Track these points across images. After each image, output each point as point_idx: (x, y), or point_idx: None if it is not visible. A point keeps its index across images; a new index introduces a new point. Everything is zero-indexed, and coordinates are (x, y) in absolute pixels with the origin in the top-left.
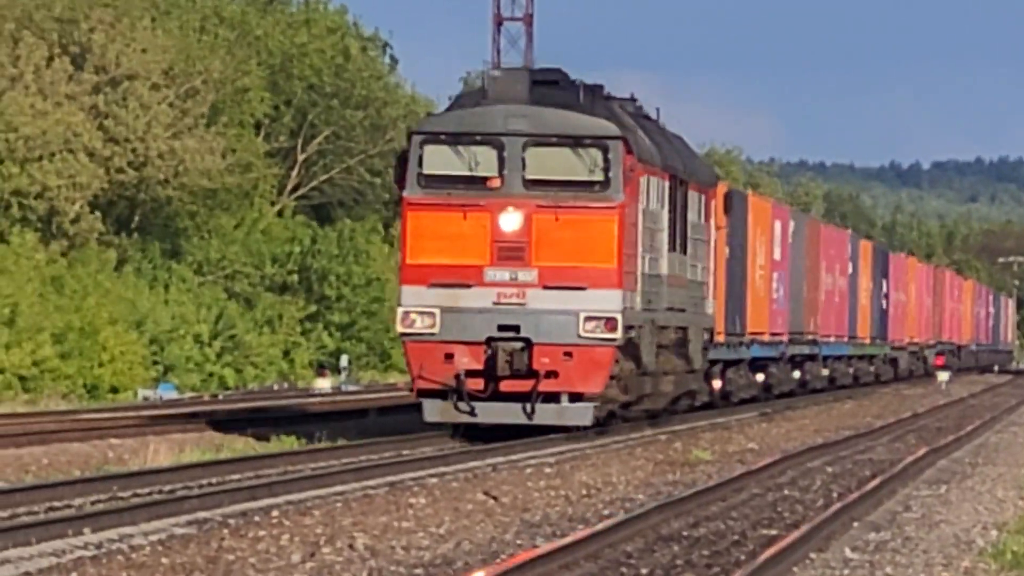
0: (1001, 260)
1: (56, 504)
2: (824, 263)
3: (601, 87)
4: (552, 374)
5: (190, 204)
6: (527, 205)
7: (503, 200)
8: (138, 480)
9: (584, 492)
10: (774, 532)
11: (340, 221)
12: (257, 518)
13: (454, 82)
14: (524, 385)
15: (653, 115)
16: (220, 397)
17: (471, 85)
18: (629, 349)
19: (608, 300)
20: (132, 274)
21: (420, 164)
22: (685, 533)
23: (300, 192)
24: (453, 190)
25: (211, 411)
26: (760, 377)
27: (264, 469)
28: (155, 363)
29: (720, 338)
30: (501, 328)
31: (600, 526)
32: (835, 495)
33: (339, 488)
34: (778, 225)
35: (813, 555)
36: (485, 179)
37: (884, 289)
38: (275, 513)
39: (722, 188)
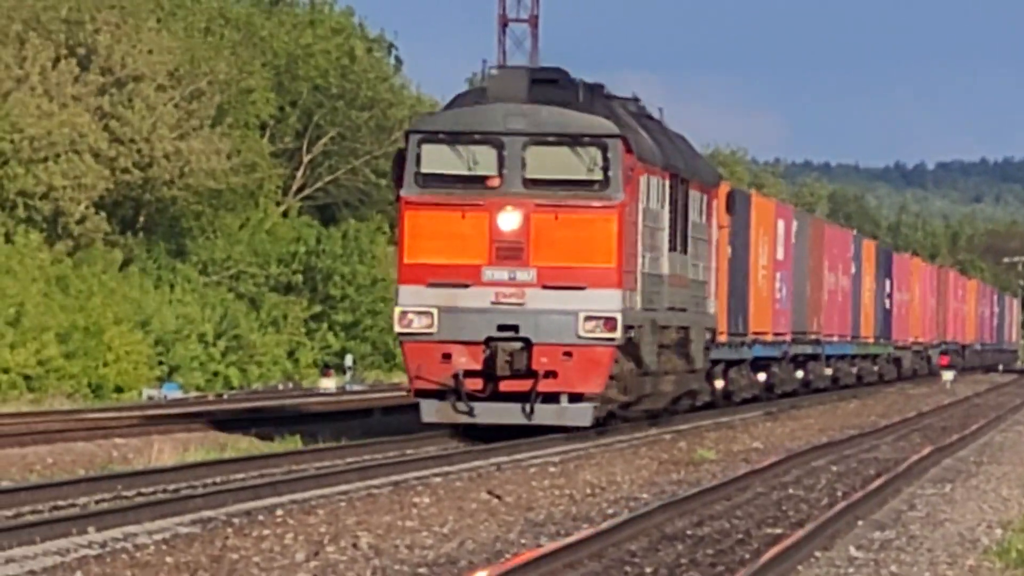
0: (1006, 260)
1: (60, 503)
2: (827, 263)
3: (601, 86)
4: (551, 374)
5: (195, 204)
6: (526, 204)
7: (502, 199)
8: (142, 479)
9: (588, 491)
10: (779, 531)
11: (345, 221)
12: (261, 517)
13: (459, 83)
14: (523, 385)
15: (655, 114)
16: (225, 397)
17: (476, 86)
18: (629, 349)
19: (608, 300)
20: (137, 274)
21: (418, 163)
22: (689, 532)
23: (305, 193)
24: (451, 189)
25: (215, 411)
26: (763, 377)
27: (268, 468)
28: (160, 363)
29: (722, 338)
30: (500, 328)
31: (604, 525)
32: (840, 494)
33: (343, 487)
34: (781, 225)
35: (818, 554)
36: (484, 178)
37: (888, 289)
38: (279, 512)
39: (724, 188)
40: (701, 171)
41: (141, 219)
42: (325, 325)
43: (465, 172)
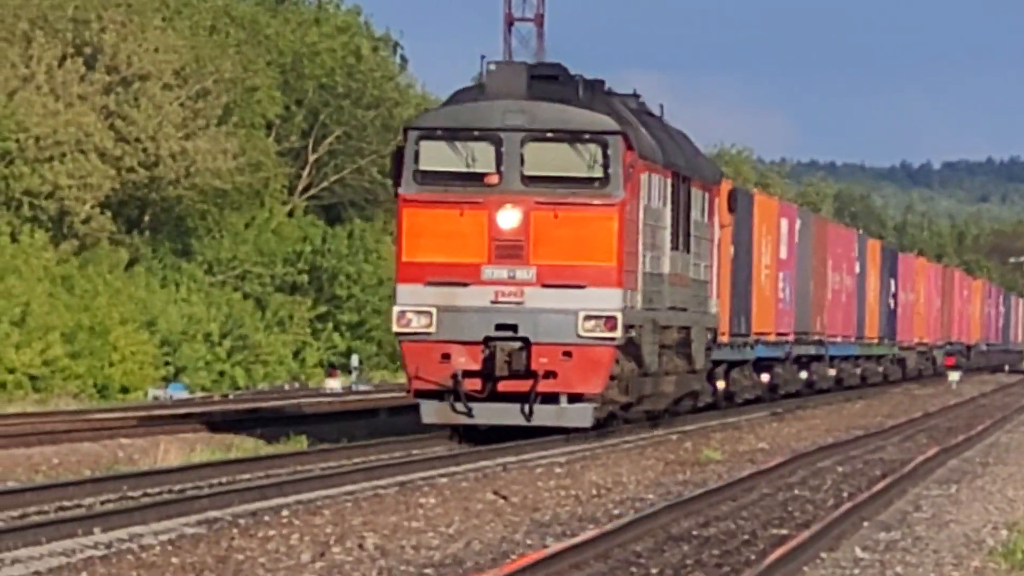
0: (1012, 260)
1: (66, 504)
2: (831, 262)
3: (602, 82)
4: (551, 374)
5: (201, 204)
6: (525, 202)
7: (501, 197)
8: (148, 480)
9: (594, 492)
10: (784, 531)
11: (350, 221)
12: (267, 518)
13: (465, 82)
14: (522, 385)
15: (656, 111)
16: (230, 397)
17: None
18: (630, 349)
19: (608, 299)
20: (143, 274)
21: (416, 160)
22: (695, 533)
23: (311, 192)
24: (450, 187)
25: (221, 411)
26: (765, 378)
27: (274, 469)
28: (167, 363)
29: (724, 338)
30: (499, 327)
31: (610, 526)
32: (846, 495)
33: (349, 488)
34: (784, 224)
35: (823, 554)
36: (482, 175)
37: (892, 289)
38: (285, 513)
39: (726, 186)
40: (702, 168)
41: (147, 218)
42: (331, 325)
43: (464, 169)
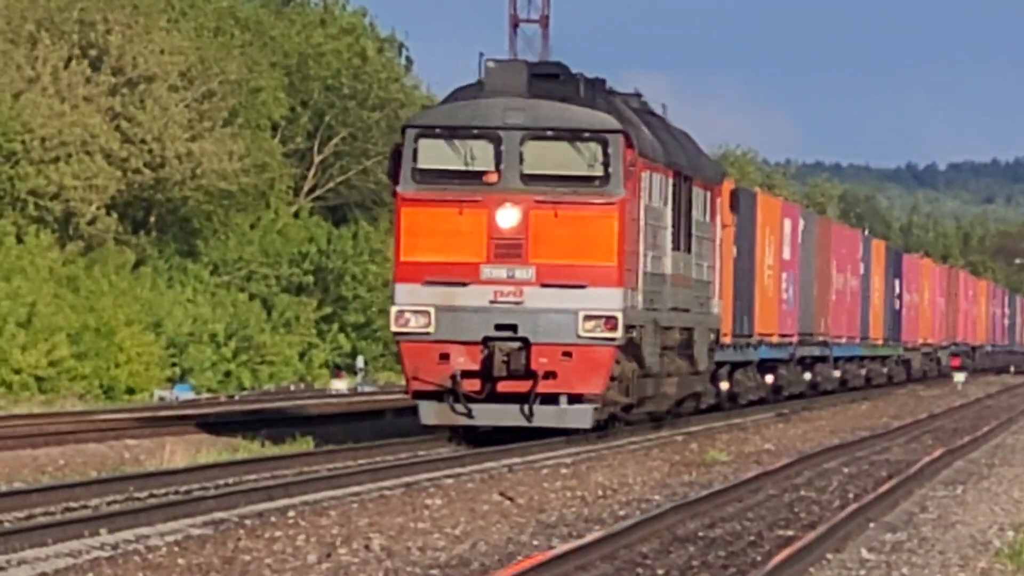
0: (1018, 261)
1: (72, 505)
2: (835, 263)
3: (603, 80)
4: (551, 375)
5: (206, 205)
6: (525, 200)
7: (500, 195)
8: (154, 481)
9: (600, 493)
10: (790, 533)
11: (356, 222)
12: (273, 519)
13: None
14: (522, 386)
15: (658, 110)
16: (236, 398)
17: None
18: (630, 349)
19: (608, 298)
20: (149, 275)
21: (415, 158)
22: (701, 534)
23: (317, 193)
24: (448, 185)
25: (227, 412)
26: (769, 379)
27: (280, 470)
28: (173, 364)
29: (727, 339)
30: (498, 327)
31: (616, 527)
32: (851, 496)
33: (355, 489)
34: (788, 224)
35: (829, 555)
36: (481, 174)
37: (897, 289)
38: (291, 514)
39: (728, 185)
40: (704, 168)
41: (152, 220)
42: (336, 326)
43: (462, 167)
